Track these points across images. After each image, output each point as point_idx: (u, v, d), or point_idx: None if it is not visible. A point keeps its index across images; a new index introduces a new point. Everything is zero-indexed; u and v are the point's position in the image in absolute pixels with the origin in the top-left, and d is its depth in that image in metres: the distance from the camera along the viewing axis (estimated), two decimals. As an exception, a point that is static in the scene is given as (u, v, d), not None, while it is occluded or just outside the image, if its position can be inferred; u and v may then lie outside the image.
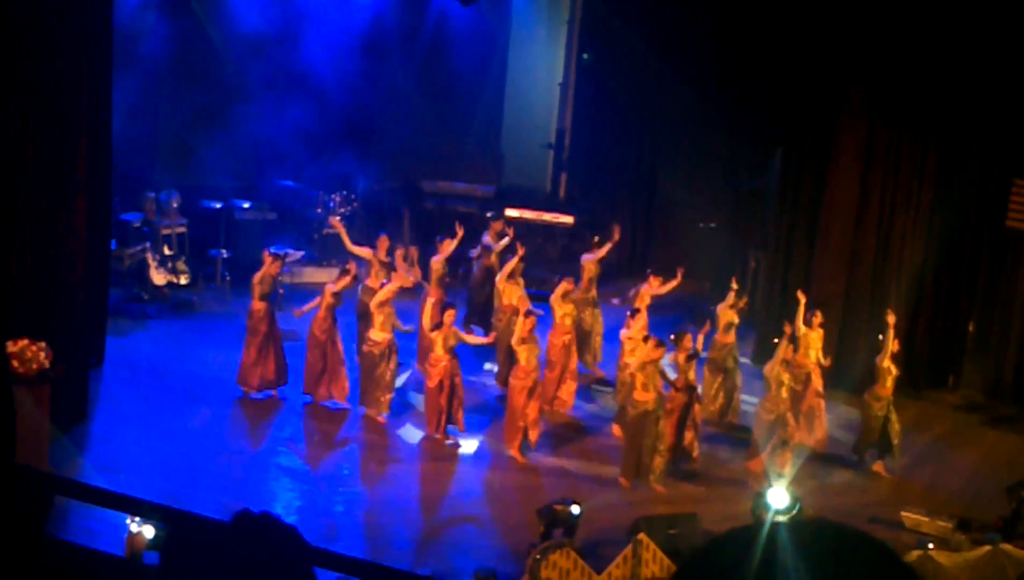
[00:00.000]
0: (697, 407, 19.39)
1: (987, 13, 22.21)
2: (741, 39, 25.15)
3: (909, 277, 23.02)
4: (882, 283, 23.14)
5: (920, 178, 22.96)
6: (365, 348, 19.96)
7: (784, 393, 18.79)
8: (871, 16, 22.49)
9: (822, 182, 23.24)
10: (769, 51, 24.20)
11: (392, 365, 19.87)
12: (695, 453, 19.34)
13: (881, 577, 2.51)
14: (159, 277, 24.23)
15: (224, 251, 25.11)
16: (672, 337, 19.53)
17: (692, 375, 19.27)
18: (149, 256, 24.17)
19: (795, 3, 23.65)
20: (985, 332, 23.51)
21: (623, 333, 20.50)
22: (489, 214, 24.77)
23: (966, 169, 22.85)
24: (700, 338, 19.73)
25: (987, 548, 16.64)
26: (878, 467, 19.85)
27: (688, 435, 19.19)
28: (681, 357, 19.17)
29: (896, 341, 19.81)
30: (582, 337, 22.11)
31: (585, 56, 29.86)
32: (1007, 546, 16.79)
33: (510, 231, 23.52)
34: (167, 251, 24.82)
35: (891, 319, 19.91)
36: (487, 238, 23.66)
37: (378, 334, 19.72)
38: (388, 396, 19.86)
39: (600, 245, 22.89)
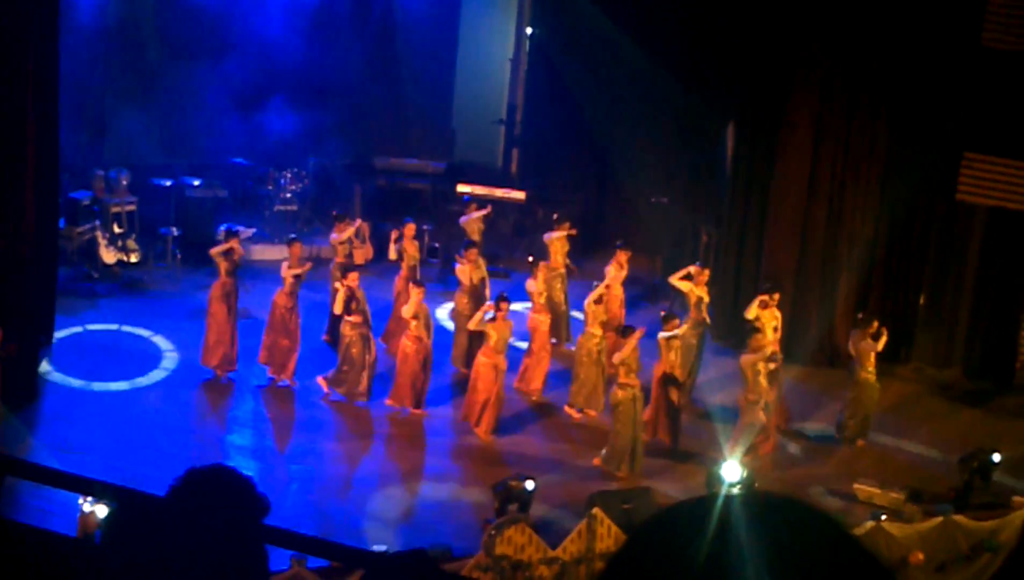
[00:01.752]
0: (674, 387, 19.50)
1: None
2: (692, 13, 25.12)
3: (861, 250, 23.09)
4: (834, 257, 23.21)
5: (871, 152, 23.02)
6: (346, 332, 19.83)
7: (763, 380, 18.77)
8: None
9: (773, 156, 23.28)
10: (721, 25, 24.17)
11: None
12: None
13: (831, 551, 2.51)
14: (109, 255, 24.05)
15: (175, 229, 24.93)
16: (662, 314, 19.64)
17: (673, 355, 19.32)
18: (99, 234, 23.98)
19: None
20: (936, 305, 23.61)
21: (586, 303, 20.47)
22: (466, 199, 24.88)
23: (917, 143, 22.90)
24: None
25: (939, 519, 16.77)
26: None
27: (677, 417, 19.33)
28: (663, 336, 19.20)
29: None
30: (555, 315, 22.05)
31: (536, 31, 29.79)
32: (958, 517, 16.93)
33: (475, 208, 23.83)
34: (117, 229, 24.64)
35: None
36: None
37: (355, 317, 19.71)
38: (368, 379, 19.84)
39: (559, 223, 22.86)
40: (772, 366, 19.11)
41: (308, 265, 20.43)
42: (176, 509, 3.58)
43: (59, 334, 20.87)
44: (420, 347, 19.35)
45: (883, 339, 19.91)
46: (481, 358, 19.21)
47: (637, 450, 18.29)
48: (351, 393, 19.69)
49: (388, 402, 19.61)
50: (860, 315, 20.60)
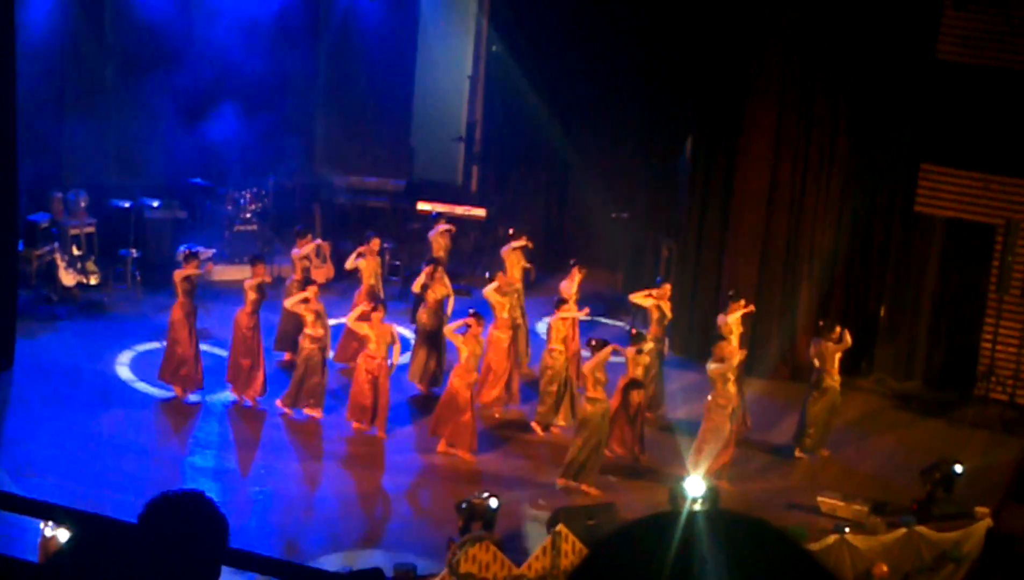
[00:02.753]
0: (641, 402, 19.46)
1: (894, 1, 22.44)
2: (650, 27, 25.18)
3: (821, 262, 23.15)
4: (794, 269, 23.27)
5: (830, 163, 23.10)
6: (305, 346, 19.75)
7: (731, 387, 18.78)
8: (779, 2, 22.63)
9: (733, 168, 23.33)
10: (678, 39, 24.26)
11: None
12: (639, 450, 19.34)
13: (793, 571, 2.54)
14: (68, 278, 23.93)
15: (134, 250, 24.83)
16: (632, 332, 19.64)
17: (640, 371, 19.35)
18: (58, 257, 23.86)
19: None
20: (896, 316, 23.69)
21: (551, 319, 20.44)
22: (434, 215, 25.07)
23: (875, 154, 23.02)
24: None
25: (902, 531, 16.82)
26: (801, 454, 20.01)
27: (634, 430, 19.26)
28: (631, 352, 19.20)
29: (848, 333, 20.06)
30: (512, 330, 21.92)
31: (494, 48, 29.78)
32: (922, 528, 16.99)
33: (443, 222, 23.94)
34: (76, 251, 24.52)
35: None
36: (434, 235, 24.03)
37: (316, 330, 19.64)
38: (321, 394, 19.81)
39: (515, 237, 22.88)
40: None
41: (268, 278, 20.43)
42: (146, 534, 3.55)
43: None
44: (371, 366, 19.26)
45: (847, 340, 19.97)
46: (454, 379, 19.13)
47: (594, 463, 18.25)
48: (319, 404, 19.71)
49: (349, 419, 19.60)
50: (821, 322, 20.63)
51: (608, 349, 18.61)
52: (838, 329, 20.05)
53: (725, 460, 18.80)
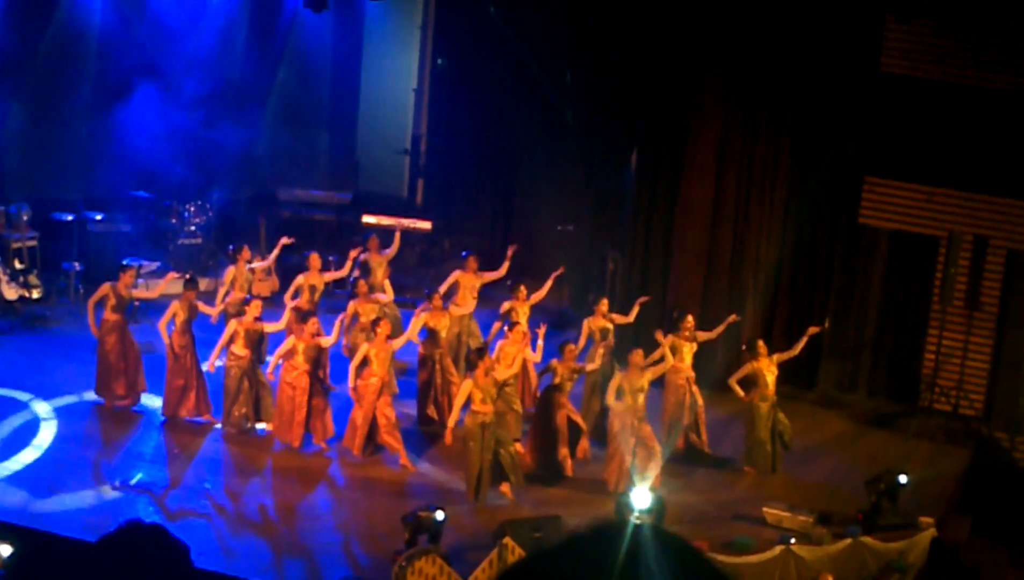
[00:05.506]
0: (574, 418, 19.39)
1: (837, 14, 22.56)
2: (594, 42, 25.22)
3: (765, 275, 23.24)
4: (739, 282, 23.34)
5: (774, 176, 23.21)
6: (228, 363, 19.60)
7: (641, 400, 18.73)
8: (722, 15, 22.72)
9: (677, 182, 23.40)
10: (623, 51, 24.30)
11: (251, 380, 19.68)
12: (568, 469, 19.25)
13: None
14: (10, 292, 23.75)
15: (77, 264, 24.70)
16: (559, 347, 19.55)
17: (570, 386, 19.27)
18: (-1, 270, 23.74)
19: (647, 5, 23.76)
20: (841, 328, 23.78)
21: (500, 344, 20.16)
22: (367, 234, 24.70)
23: (819, 167, 23.13)
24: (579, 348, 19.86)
25: (848, 541, 16.90)
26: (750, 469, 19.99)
27: (563, 450, 19.16)
28: (562, 369, 19.12)
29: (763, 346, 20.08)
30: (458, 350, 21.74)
31: (439, 61, 29.81)
32: (867, 538, 17.07)
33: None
34: (18, 265, 24.34)
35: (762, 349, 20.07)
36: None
37: (241, 350, 19.47)
38: (244, 411, 19.62)
39: (466, 258, 22.54)
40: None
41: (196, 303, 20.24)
42: (104, 561, 3.52)
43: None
44: (291, 378, 19.14)
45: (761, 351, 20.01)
46: (359, 380, 18.98)
47: (484, 479, 18.08)
48: (223, 423, 19.60)
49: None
50: (760, 341, 20.60)
51: (487, 364, 18.35)
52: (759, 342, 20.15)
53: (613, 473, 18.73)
